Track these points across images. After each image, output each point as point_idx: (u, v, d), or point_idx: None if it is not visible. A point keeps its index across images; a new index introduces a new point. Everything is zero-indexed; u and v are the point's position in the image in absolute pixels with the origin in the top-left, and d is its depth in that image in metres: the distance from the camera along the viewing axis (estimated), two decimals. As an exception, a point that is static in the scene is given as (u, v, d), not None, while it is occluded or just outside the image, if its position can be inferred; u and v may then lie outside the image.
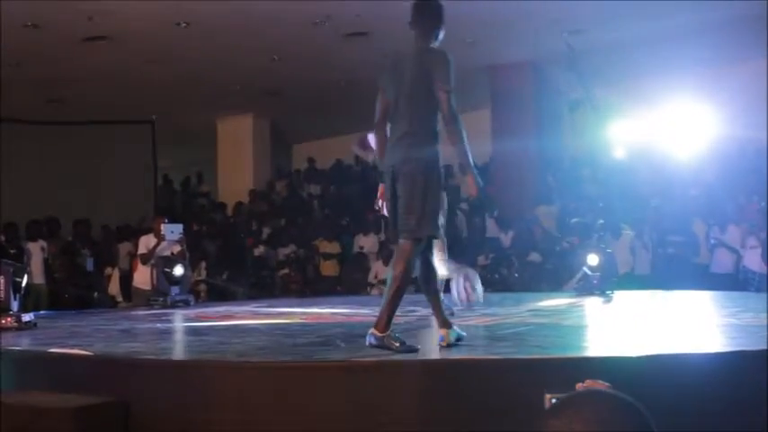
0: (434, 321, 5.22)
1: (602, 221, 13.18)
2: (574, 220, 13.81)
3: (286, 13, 12.90)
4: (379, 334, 4.81)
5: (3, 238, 12.68)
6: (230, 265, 15.52)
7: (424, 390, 4.09)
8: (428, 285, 5.23)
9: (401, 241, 5.00)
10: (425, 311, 7.68)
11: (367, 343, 4.82)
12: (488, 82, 17.09)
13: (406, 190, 4.92)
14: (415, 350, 4.86)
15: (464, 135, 4.88)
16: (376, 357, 4.62)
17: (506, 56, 16.04)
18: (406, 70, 5.15)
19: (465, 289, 7.33)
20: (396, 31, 13.89)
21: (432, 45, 5.23)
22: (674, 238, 12.91)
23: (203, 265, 14.23)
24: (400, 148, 5.00)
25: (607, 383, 2.06)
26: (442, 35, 5.29)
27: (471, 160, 4.95)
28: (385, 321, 4.85)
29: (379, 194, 5.80)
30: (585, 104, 15.29)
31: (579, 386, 2.08)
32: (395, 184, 5.00)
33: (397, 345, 4.78)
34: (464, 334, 5.10)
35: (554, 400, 2.15)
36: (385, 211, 5.46)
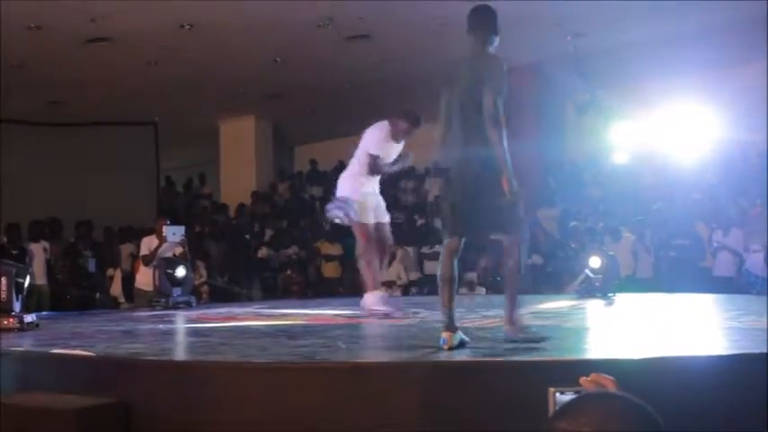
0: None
1: (601, 224, 13.19)
2: (572, 223, 13.80)
3: (288, 16, 12.91)
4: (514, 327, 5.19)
5: (5, 239, 12.70)
6: (234, 266, 15.54)
7: (426, 391, 4.09)
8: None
9: (512, 237, 5.30)
10: (426, 313, 7.70)
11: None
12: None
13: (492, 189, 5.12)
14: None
15: (504, 138, 5.11)
16: (377, 359, 4.62)
17: (508, 58, 16.00)
18: (463, 74, 5.36)
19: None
20: (397, 33, 14.07)
21: (488, 50, 5.49)
22: (679, 241, 12.91)
23: (202, 265, 14.22)
24: (467, 149, 5.19)
25: (612, 377, 2.05)
26: (497, 40, 5.55)
27: (509, 163, 5.14)
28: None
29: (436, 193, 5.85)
30: (592, 108, 15.30)
31: (583, 380, 2.06)
32: (465, 183, 5.17)
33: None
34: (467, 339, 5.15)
35: (558, 394, 2.14)
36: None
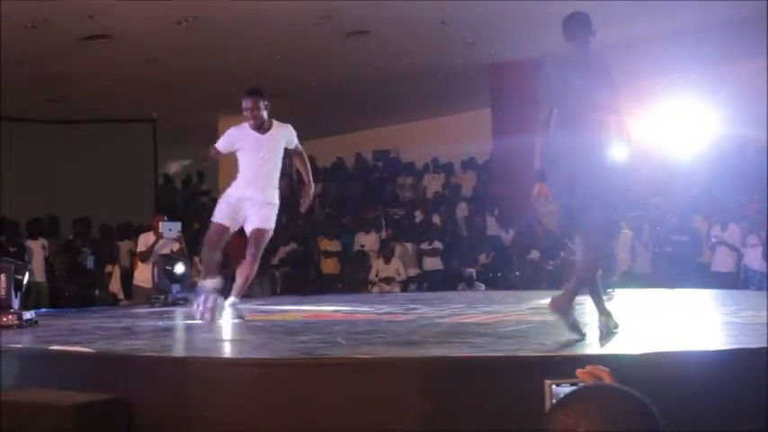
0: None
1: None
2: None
3: (288, 13, 12.90)
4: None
5: (2, 236, 12.69)
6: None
7: (425, 387, 4.09)
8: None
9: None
10: (425, 309, 7.71)
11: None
12: (489, 80, 17.09)
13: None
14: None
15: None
16: (377, 355, 4.63)
17: (508, 54, 16.04)
18: (572, 77, 5.62)
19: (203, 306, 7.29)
20: (397, 30, 14.08)
21: (589, 52, 5.79)
22: (676, 237, 12.92)
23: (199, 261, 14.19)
24: (575, 147, 5.44)
25: (608, 369, 2.05)
26: (594, 40, 5.86)
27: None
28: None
29: (539, 191, 5.84)
30: None
31: (580, 372, 2.06)
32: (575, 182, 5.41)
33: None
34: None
35: (554, 387, 2.15)
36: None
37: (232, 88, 17.17)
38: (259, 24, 13.37)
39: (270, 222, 7.65)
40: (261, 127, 7.74)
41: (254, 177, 7.70)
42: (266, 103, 7.83)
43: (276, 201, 7.77)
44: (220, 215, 7.65)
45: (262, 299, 11.15)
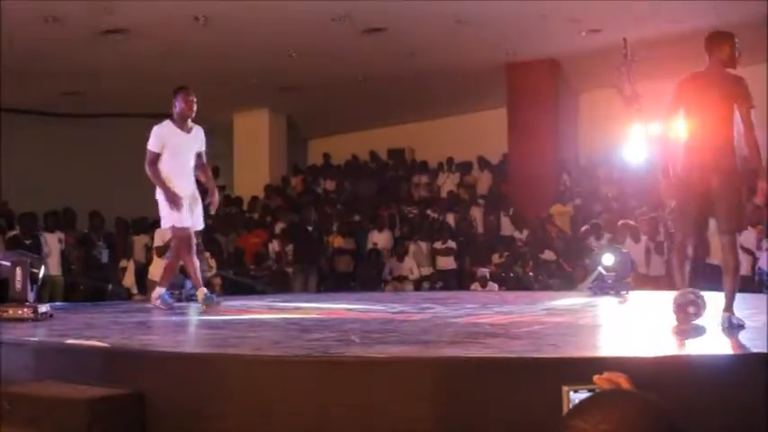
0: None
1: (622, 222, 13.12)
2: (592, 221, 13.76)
3: (304, 9, 12.92)
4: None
5: (18, 229, 12.72)
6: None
7: (438, 387, 4.09)
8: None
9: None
10: (440, 308, 7.71)
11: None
12: (505, 80, 17.08)
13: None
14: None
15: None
16: (391, 354, 4.62)
17: (524, 54, 16.03)
18: (708, 89, 5.89)
19: None
20: (413, 28, 14.07)
21: (731, 69, 6.02)
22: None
23: (209, 257, 14.23)
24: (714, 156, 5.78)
25: (625, 375, 2.04)
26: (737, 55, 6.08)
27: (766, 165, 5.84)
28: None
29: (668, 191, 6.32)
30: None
31: (597, 378, 2.06)
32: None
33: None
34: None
35: (571, 393, 2.14)
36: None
37: (249, 84, 17.28)
38: (275, 21, 13.39)
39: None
40: (187, 125, 7.94)
41: (188, 175, 7.95)
42: None
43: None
44: (186, 219, 7.88)
45: (276, 296, 11.16)
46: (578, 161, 17.94)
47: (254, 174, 20.20)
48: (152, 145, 7.87)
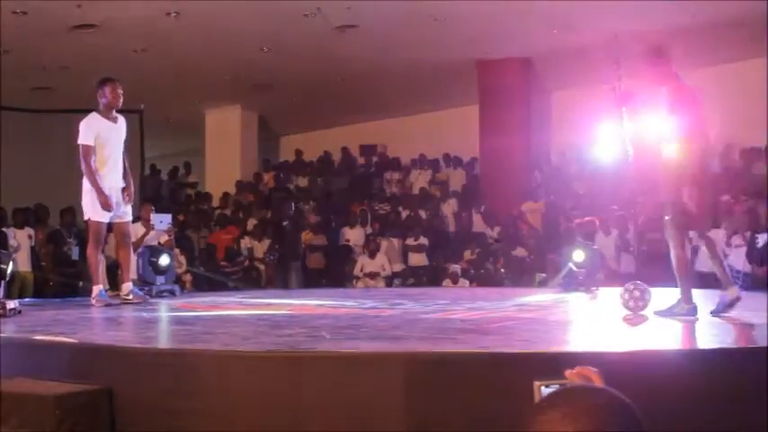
0: None
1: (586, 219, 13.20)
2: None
3: (276, 5, 12.89)
4: None
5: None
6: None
7: (409, 382, 4.09)
8: None
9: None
10: (411, 304, 7.72)
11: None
12: (478, 77, 17.11)
13: None
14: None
15: None
16: (361, 349, 4.63)
17: (496, 52, 16.07)
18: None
19: None
20: (385, 24, 14.06)
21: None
22: (651, 235, 12.93)
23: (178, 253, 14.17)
24: None
25: (596, 369, 2.06)
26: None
27: None
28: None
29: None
30: None
31: (569, 373, 2.07)
32: None
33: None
34: None
35: (543, 388, 2.15)
36: None
37: (221, 80, 17.21)
38: (248, 17, 13.34)
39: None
40: (112, 116, 8.00)
41: (117, 166, 7.99)
42: None
43: None
44: (105, 213, 7.90)
45: (246, 292, 11.13)
46: (550, 158, 18.01)
47: (225, 170, 20.15)
48: (84, 138, 7.87)
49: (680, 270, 6.24)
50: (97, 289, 7.91)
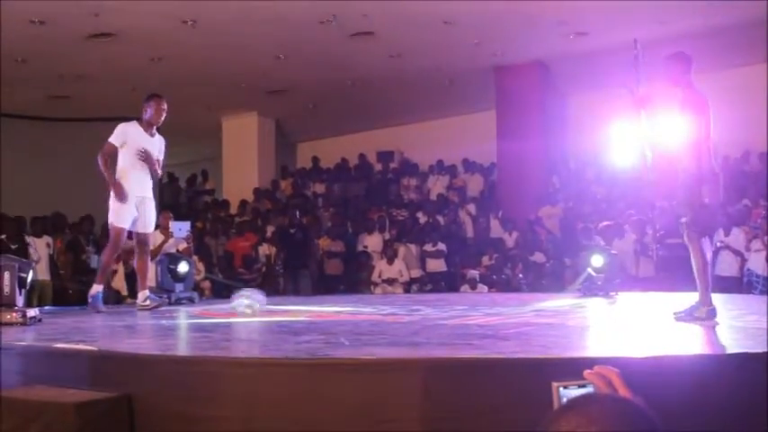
0: None
1: (606, 223, 13.16)
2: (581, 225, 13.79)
3: (292, 12, 12.92)
4: None
5: (4, 234, 12.65)
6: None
7: (428, 388, 4.08)
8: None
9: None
10: (429, 310, 7.70)
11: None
12: (494, 83, 17.10)
13: None
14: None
15: None
16: (380, 356, 4.62)
17: (512, 57, 16.05)
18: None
19: None
20: (401, 31, 14.07)
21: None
22: (671, 240, 12.88)
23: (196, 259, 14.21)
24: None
25: (616, 369, 2.04)
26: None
27: None
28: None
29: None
30: None
31: (587, 373, 2.05)
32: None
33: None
34: None
35: (561, 389, 2.13)
36: None
37: (237, 87, 17.26)
38: (264, 24, 13.38)
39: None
40: (151, 131, 8.18)
41: (143, 176, 8.12)
42: None
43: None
44: (127, 219, 8.06)
45: (289, 297, 11.16)
46: (567, 163, 17.97)
47: (243, 177, 20.19)
48: (113, 138, 8.07)
49: (699, 272, 6.20)
50: (96, 289, 8.08)
